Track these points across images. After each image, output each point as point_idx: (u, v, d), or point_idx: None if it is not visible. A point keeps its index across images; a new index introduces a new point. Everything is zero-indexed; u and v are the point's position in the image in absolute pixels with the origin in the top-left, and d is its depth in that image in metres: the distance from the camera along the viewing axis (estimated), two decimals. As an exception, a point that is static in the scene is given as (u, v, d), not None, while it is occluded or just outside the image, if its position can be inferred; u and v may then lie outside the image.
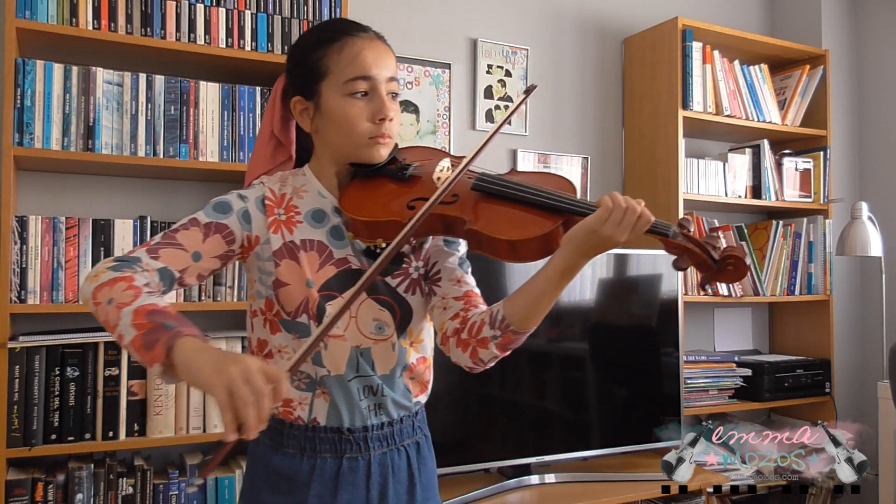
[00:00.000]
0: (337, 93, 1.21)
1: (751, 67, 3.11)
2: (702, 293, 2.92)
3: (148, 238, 2.05)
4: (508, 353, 1.23)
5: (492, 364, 1.25)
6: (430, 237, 1.31)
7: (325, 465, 1.23)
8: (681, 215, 2.83)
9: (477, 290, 1.30)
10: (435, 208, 1.14)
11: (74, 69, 1.99)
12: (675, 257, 1.16)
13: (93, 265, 1.98)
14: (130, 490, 1.98)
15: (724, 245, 1.14)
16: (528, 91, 1.29)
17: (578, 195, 1.21)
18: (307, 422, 1.23)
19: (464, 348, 1.23)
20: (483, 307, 1.27)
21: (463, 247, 1.34)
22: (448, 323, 1.25)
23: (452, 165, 1.25)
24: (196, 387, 0.98)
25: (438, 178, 1.23)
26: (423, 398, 1.33)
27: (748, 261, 1.11)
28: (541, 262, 1.19)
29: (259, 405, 0.90)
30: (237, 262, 2.10)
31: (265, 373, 0.92)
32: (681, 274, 2.76)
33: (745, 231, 3.09)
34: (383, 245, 1.19)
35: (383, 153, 1.24)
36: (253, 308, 1.27)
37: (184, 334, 0.97)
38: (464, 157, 1.24)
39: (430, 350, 1.33)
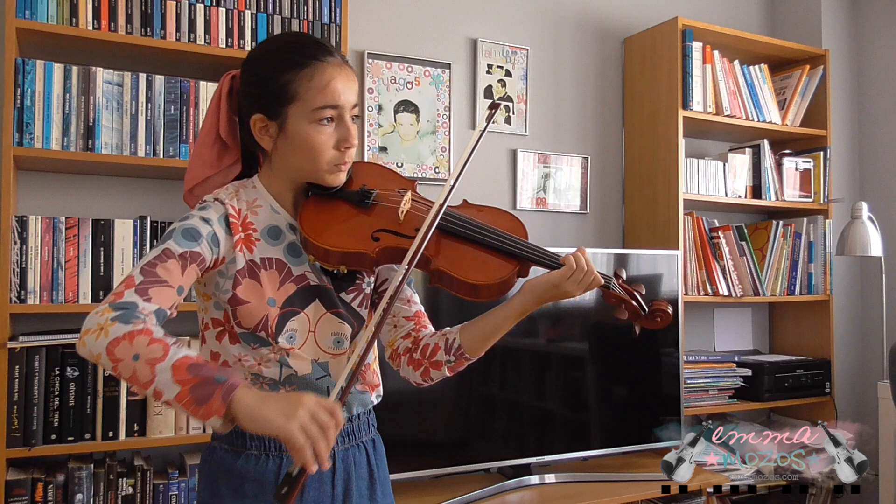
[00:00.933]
0: (304, 119, 1.20)
1: (751, 67, 3.11)
2: (701, 293, 2.92)
3: (148, 239, 2.05)
4: (454, 374, 1.35)
5: (438, 381, 1.35)
6: None
7: (290, 463, 1.21)
8: (681, 215, 2.84)
9: (423, 310, 1.40)
10: (401, 242, 1.22)
11: (74, 69, 1.99)
12: (613, 307, 1.34)
13: (93, 265, 1.99)
14: (130, 490, 1.98)
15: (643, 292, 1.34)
16: (491, 108, 1.32)
17: (531, 232, 1.35)
18: None
19: (415, 367, 1.34)
20: (431, 328, 1.38)
21: None
22: (400, 341, 1.36)
23: (413, 198, 1.31)
24: (263, 433, 1.03)
25: (402, 212, 1.27)
26: (374, 398, 1.36)
27: (670, 310, 1.35)
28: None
29: (328, 437, 1.00)
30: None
31: (325, 407, 1.01)
32: (681, 274, 2.76)
33: (745, 231, 3.09)
34: (345, 270, 1.25)
35: (342, 178, 1.27)
36: (205, 321, 1.26)
37: (237, 385, 1.00)
38: (414, 180, 1.35)
39: (372, 356, 1.35)
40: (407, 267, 1.19)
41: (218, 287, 1.22)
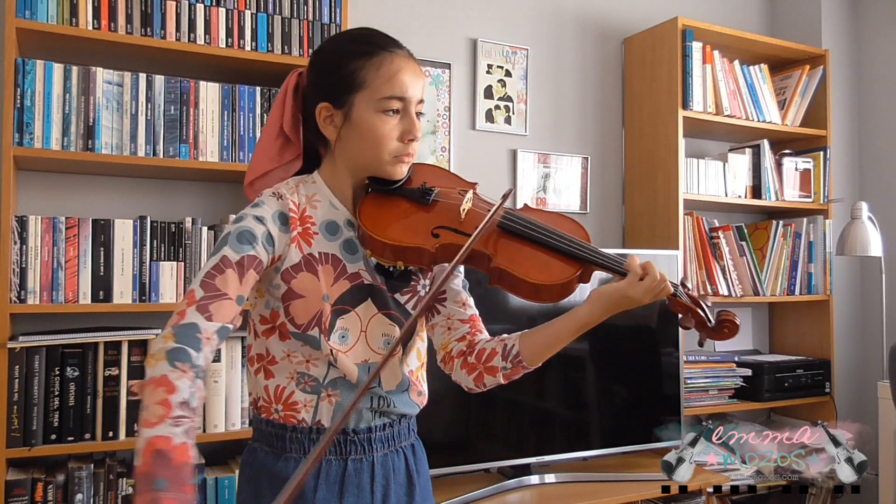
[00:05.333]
0: (371, 107, 1.20)
1: (751, 67, 3.11)
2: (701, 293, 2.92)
3: (148, 239, 2.05)
4: (508, 382, 1.32)
5: (490, 388, 1.32)
6: None
7: (329, 468, 1.23)
8: (681, 215, 2.84)
9: (477, 314, 1.37)
10: (462, 240, 1.20)
11: (74, 69, 1.99)
12: (680, 316, 1.29)
13: (93, 265, 1.99)
14: (130, 490, 1.98)
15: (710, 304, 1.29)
16: (504, 196, 1.29)
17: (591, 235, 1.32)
18: (311, 424, 1.23)
19: (469, 371, 1.31)
20: (486, 334, 1.36)
21: (462, 271, 1.40)
22: (454, 344, 1.33)
23: (475, 198, 1.30)
24: None
25: (464, 210, 1.26)
26: (419, 404, 1.35)
27: (738, 321, 1.28)
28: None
29: None
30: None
31: None
32: (681, 274, 2.76)
33: (745, 231, 3.09)
34: (402, 267, 1.23)
35: (404, 171, 1.26)
36: (254, 317, 1.27)
37: (164, 501, 0.93)
38: (474, 183, 1.34)
39: (417, 361, 1.35)
40: (458, 257, 1.15)
41: (271, 283, 1.21)
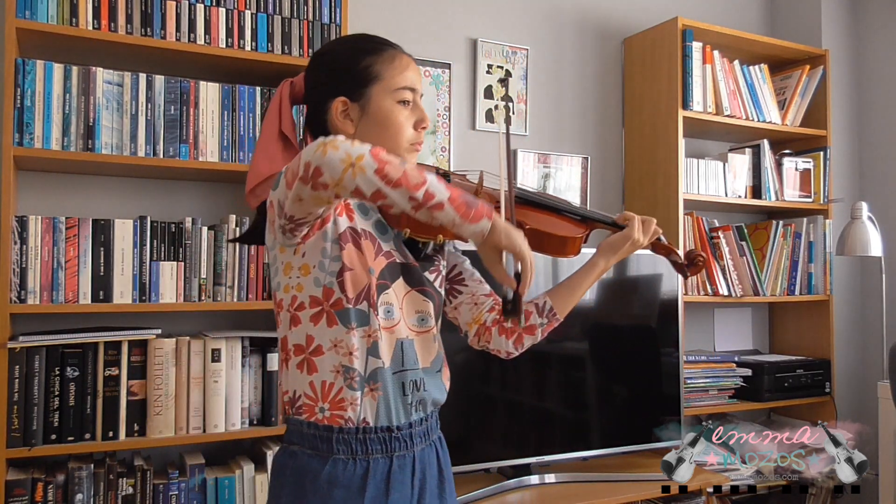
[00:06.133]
0: (387, 97, 1.27)
1: (751, 67, 3.11)
2: (701, 293, 2.92)
3: (148, 239, 2.05)
4: (544, 338, 1.48)
5: (524, 350, 1.47)
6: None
7: (377, 467, 1.22)
8: (681, 215, 2.84)
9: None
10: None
11: (74, 69, 1.99)
12: (662, 256, 1.56)
13: (92, 265, 1.99)
14: (130, 490, 1.98)
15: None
16: (506, 120, 1.40)
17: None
18: (357, 423, 1.22)
19: (508, 335, 1.45)
20: None
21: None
22: (486, 315, 1.46)
23: (480, 178, 1.44)
24: (507, 247, 1.12)
25: (478, 188, 1.39)
26: (447, 391, 1.37)
27: (704, 255, 1.58)
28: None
29: None
30: (240, 263, 2.12)
31: None
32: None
33: (745, 231, 3.09)
34: (441, 240, 1.31)
35: (415, 158, 1.34)
36: (299, 300, 1.23)
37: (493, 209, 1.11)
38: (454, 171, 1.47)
39: (442, 347, 1.38)
40: (506, 201, 1.27)
41: (324, 254, 1.21)
